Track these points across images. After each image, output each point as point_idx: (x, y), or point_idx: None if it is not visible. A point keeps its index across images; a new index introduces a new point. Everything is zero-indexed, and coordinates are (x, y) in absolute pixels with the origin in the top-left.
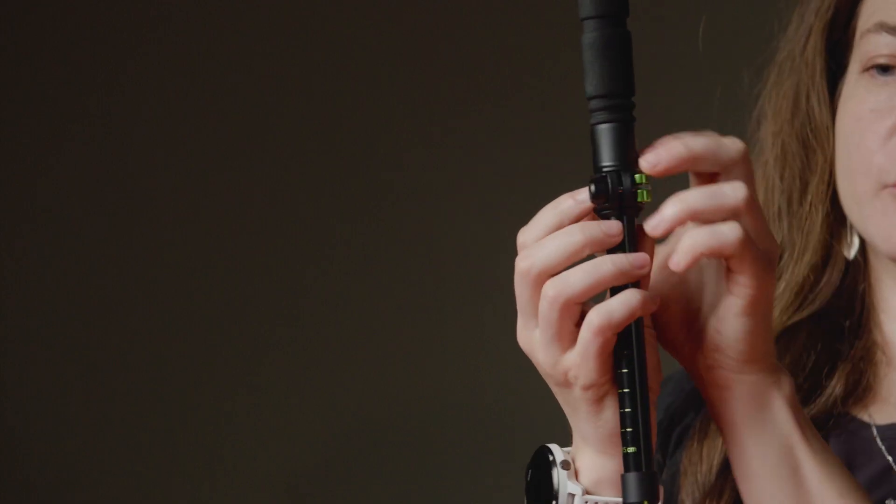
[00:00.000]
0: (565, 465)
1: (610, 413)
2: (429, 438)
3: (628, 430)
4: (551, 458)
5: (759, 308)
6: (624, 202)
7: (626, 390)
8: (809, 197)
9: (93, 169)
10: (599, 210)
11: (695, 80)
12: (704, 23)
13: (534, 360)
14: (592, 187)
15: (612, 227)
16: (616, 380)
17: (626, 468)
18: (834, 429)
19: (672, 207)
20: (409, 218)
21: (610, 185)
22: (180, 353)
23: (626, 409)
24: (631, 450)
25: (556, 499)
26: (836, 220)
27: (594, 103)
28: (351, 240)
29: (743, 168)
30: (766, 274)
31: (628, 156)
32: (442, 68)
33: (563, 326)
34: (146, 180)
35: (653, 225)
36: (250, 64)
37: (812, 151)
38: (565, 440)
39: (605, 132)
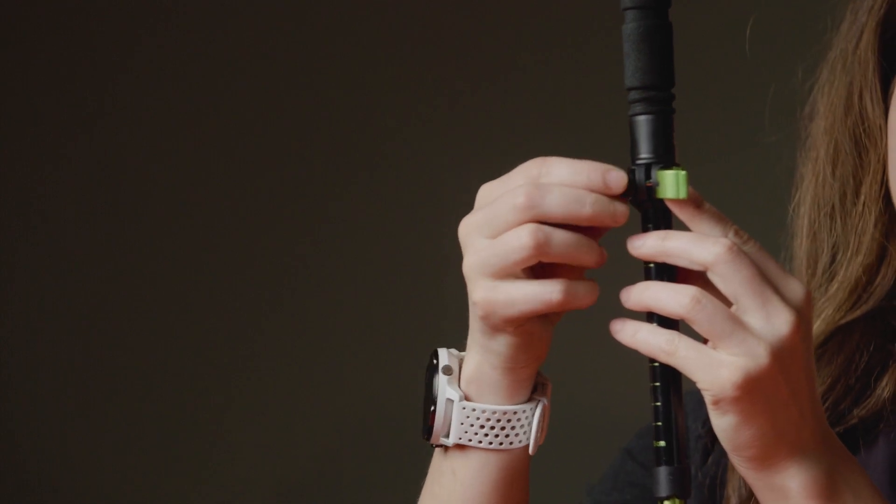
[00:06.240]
0: (446, 370)
1: (501, 343)
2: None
3: (659, 423)
4: (435, 362)
5: (732, 407)
6: (653, 195)
7: (657, 384)
8: (863, 196)
9: (89, 170)
10: (634, 203)
11: (747, 75)
12: (756, 19)
13: (463, 248)
14: None
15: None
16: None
17: (657, 462)
18: (884, 428)
19: (633, 296)
20: (405, 216)
21: (636, 179)
22: (176, 356)
23: (657, 403)
24: (661, 444)
25: (435, 403)
26: (892, 220)
27: (632, 94)
28: (343, 240)
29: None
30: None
31: (664, 148)
32: (456, 59)
33: (514, 261)
34: (142, 182)
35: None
36: (244, 63)
37: (865, 150)
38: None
39: (642, 124)
